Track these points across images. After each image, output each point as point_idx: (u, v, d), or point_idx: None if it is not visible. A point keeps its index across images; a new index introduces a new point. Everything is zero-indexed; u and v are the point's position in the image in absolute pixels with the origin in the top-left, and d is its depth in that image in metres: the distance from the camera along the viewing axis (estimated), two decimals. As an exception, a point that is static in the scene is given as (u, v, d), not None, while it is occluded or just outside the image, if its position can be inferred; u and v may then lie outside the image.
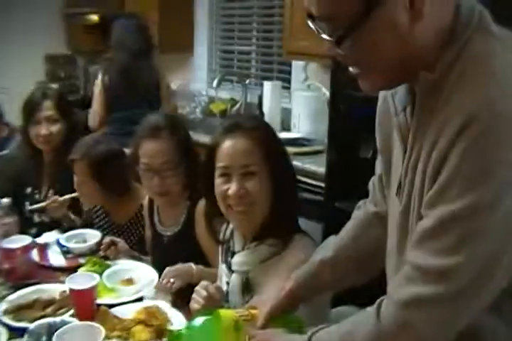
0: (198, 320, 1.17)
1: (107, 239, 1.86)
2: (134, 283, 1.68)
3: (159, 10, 3.99)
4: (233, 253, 1.45)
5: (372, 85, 0.90)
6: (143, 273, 1.72)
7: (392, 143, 1.01)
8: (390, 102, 0.97)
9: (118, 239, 1.89)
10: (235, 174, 1.36)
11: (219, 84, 3.59)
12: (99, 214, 2.13)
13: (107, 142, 2.09)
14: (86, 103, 4.91)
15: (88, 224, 2.13)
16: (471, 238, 0.78)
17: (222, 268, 1.50)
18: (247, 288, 1.41)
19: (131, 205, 2.05)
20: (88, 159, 1.96)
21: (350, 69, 0.90)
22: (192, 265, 1.60)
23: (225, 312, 1.14)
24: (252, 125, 1.40)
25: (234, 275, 1.44)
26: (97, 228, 2.10)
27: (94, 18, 4.78)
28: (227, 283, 1.46)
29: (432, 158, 0.83)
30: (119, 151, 2.07)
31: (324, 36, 0.86)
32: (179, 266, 1.60)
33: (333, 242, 1.21)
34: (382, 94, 1.05)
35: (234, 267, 1.43)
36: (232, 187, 1.36)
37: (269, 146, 1.37)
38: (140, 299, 1.58)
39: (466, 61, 0.82)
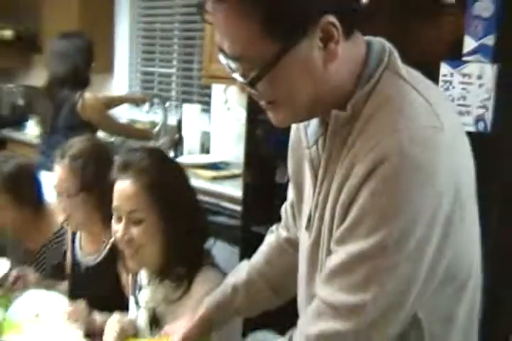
0: None
1: (14, 272, 1.78)
2: (42, 319, 1.57)
3: (79, 28, 3.91)
4: (140, 288, 1.43)
5: (283, 120, 0.91)
6: (52, 307, 1.62)
7: (304, 174, 1.02)
8: (303, 135, 0.98)
9: (27, 270, 1.80)
10: (124, 217, 1.33)
11: (151, 106, 3.58)
12: (10, 242, 2.04)
13: (15, 157, 2.06)
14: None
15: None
16: (379, 275, 0.80)
17: (131, 301, 1.47)
18: (155, 323, 1.39)
19: (46, 230, 1.98)
20: (1, 179, 1.90)
21: (262, 103, 0.90)
22: (96, 314, 1.56)
23: None
24: (141, 166, 1.33)
25: (141, 310, 1.42)
26: (9, 256, 1.98)
27: (8, 34, 4.62)
28: (136, 317, 1.43)
29: (342, 195, 0.84)
30: (29, 165, 2.07)
31: (236, 76, 0.86)
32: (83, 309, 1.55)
33: (246, 266, 1.21)
34: (294, 125, 1.05)
35: (141, 303, 1.41)
36: (118, 232, 1.33)
37: (158, 191, 1.31)
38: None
39: (377, 102, 0.84)
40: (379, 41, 0.90)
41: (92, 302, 1.58)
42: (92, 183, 1.64)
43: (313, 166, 0.95)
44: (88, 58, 3.08)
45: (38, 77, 3.52)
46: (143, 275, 1.43)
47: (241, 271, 1.20)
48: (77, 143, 1.71)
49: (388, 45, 0.90)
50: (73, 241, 1.82)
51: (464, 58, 1.67)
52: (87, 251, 1.75)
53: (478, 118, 1.65)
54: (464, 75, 1.67)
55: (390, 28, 1.87)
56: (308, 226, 0.97)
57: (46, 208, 2.00)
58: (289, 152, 1.08)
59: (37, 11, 4.26)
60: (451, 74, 1.69)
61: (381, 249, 0.79)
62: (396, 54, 0.89)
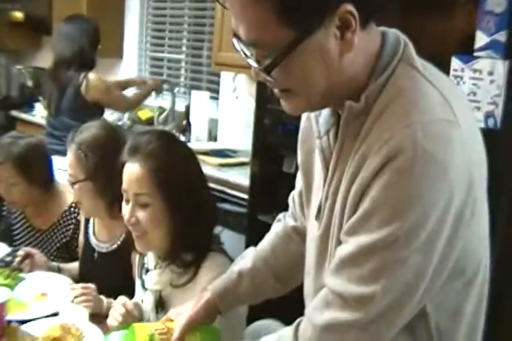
0: (114, 335, 1.16)
1: (22, 251, 1.79)
2: (48, 298, 1.62)
3: (88, 12, 3.92)
4: (147, 270, 1.43)
5: (296, 108, 0.91)
6: (58, 287, 1.66)
7: (314, 163, 1.02)
8: (314, 124, 0.98)
9: (34, 251, 1.82)
10: (131, 200, 1.33)
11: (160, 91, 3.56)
12: (19, 219, 2.07)
13: (24, 137, 2.06)
14: (8, 102, 4.77)
15: (7, 232, 2.06)
16: (390, 267, 0.81)
17: (137, 284, 1.48)
18: (161, 306, 1.40)
19: (54, 209, 2.00)
20: (12, 159, 1.92)
21: (275, 91, 0.90)
22: (104, 298, 1.57)
23: (140, 327, 1.14)
24: (149, 150, 1.32)
25: (147, 293, 1.42)
26: (17, 234, 2.05)
27: (19, 15, 4.62)
28: (142, 301, 1.44)
29: (354, 186, 0.84)
30: (40, 144, 2.08)
31: (251, 62, 0.85)
32: (94, 290, 1.57)
33: (252, 254, 1.22)
34: (305, 114, 1.05)
35: (147, 285, 1.41)
36: (125, 215, 1.33)
37: (165, 176, 1.30)
38: (55, 314, 1.53)
39: (390, 93, 0.84)
40: (394, 33, 0.90)
41: (102, 289, 1.59)
42: (96, 171, 1.63)
43: (324, 156, 0.95)
44: (94, 41, 3.13)
45: (47, 59, 3.53)
46: (150, 258, 1.44)
47: (247, 258, 1.21)
48: (85, 130, 1.69)
49: (403, 36, 0.90)
50: (86, 226, 1.82)
51: (476, 54, 1.66)
52: (101, 237, 1.76)
53: (488, 115, 1.65)
54: (475, 71, 1.67)
55: (401, 20, 1.86)
56: (318, 217, 0.98)
57: (56, 188, 2.04)
58: (298, 141, 1.08)
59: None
60: (462, 70, 1.69)
61: (392, 241, 0.79)
62: (411, 46, 0.89)
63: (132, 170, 1.31)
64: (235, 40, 0.85)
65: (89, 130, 1.69)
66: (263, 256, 1.20)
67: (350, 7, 0.80)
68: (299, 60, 0.82)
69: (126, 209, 1.33)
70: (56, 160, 2.15)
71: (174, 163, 1.33)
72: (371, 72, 0.86)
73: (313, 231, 1.01)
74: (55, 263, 1.85)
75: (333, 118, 0.93)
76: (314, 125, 0.98)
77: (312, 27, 0.80)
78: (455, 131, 0.80)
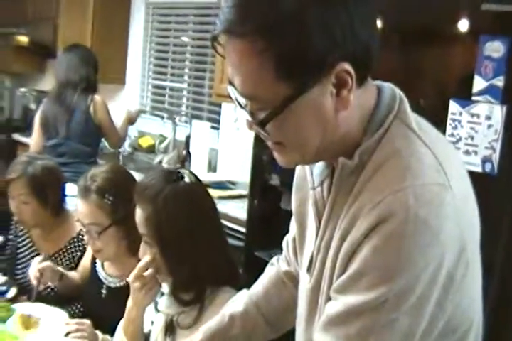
0: None
1: (39, 266, 1.75)
2: (41, 331, 1.60)
3: (92, 39, 3.97)
4: (162, 294, 1.45)
5: (289, 162, 0.90)
6: (52, 320, 1.65)
7: (307, 212, 1.01)
8: (308, 174, 0.98)
9: (46, 264, 1.78)
10: (142, 239, 1.39)
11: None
12: (25, 243, 2.08)
13: (42, 158, 2.11)
14: (10, 125, 4.81)
15: (12, 255, 2.08)
16: (377, 329, 0.80)
17: (150, 306, 1.48)
18: (170, 329, 1.41)
19: (62, 235, 2.01)
20: (27, 177, 1.95)
21: (269, 143, 0.89)
22: (99, 333, 1.56)
23: None
24: (148, 197, 1.35)
25: (159, 315, 1.44)
26: (22, 258, 2.06)
27: (24, 40, 4.69)
28: (152, 322, 1.46)
29: (345, 244, 0.84)
30: (54, 166, 2.11)
31: (245, 113, 0.84)
32: (89, 326, 1.56)
33: (244, 297, 1.21)
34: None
35: (160, 307, 1.43)
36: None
37: (159, 223, 1.34)
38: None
39: (385, 153, 0.84)
40: (390, 87, 0.89)
41: (99, 322, 1.59)
42: (123, 215, 1.62)
43: (317, 208, 0.95)
44: (95, 67, 3.26)
45: (51, 83, 3.58)
46: (165, 284, 1.45)
47: (239, 302, 1.21)
48: (99, 175, 1.67)
49: (398, 91, 0.89)
50: (94, 257, 1.81)
51: (474, 98, 1.67)
52: (111, 272, 1.76)
53: (486, 159, 1.65)
54: (473, 115, 1.67)
55: (400, 61, 1.88)
56: (309, 270, 0.97)
57: (66, 214, 2.05)
58: (293, 188, 1.07)
59: (54, 20, 4.32)
60: (460, 113, 1.70)
61: (380, 304, 0.79)
62: (406, 101, 0.88)
63: (137, 213, 1.38)
64: (229, 88, 0.85)
65: (102, 175, 1.67)
66: (255, 301, 1.19)
67: (347, 66, 0.79)
68: (294, 116, 0.81)
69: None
70: (68, 187, 2.16)
71: (168, 210, 1.35)
72: (366, 128, 0.86)
73: (304, 283, 1.01)
74: (59, 269, 1.83)
75: (327, 170, 0.93)
76: (309, 175, 0.98)
77: (309, 84, 0.79)
78: (447, 195, 0.80)
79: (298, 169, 1.06)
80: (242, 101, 0.84)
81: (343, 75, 0.80)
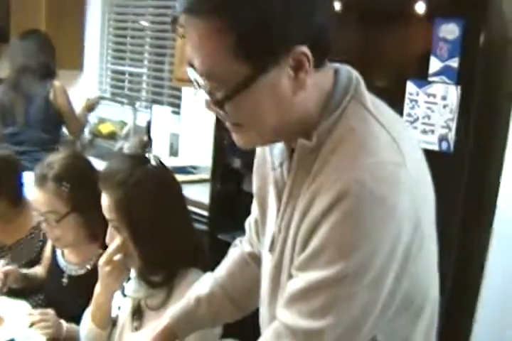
0: None
1: (2, 269, 1.73)
2: (5, 323, 1.58)
3: (47, 23, 3.87)
4: (129, 279, 1.44)
5: (246, 142, 0.91)
6: (15, 312, 1.63)
7: (268, 193, 1.03)
8: (268, 155, 0.99)
9: (10, 268, 1.76)
10: (109, 224, 1.37)
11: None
12: None
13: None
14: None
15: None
16: (338, 303, 0.82)
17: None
18: (138, 314, 1.42)
19: (22, 225, 1.97)
20: None
21: (227, 124, 0.90)
22: (63, 322, 1.56)
23: None
24: (116, 182, 1.35)
25: (126, 300, 1.45)
26: None
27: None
28: (119, 307, 1.46)
29: (304, 223, 0.86)
30: (9, 155, 2.09)
31: (203, 93, 0.85)
32: (53, 315, 1.55)
33: (209, 279, 1.23)
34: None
35: (127, 292, 1.42)
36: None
37: (129, 207, 1.33)
38: (12, 340, 1.50)
39: (341, 133, 0.85)
40: (346, 69, 0.91)
41: (66, 311, 1.58)
42: (81, 203, 1.61)
43: (277, 189, 0.96)
44: (52, 53, 3.22)
45: (5, 69, 3.48)
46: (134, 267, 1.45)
47: (204, 284, 1.22)
48: (56, 162, 1.64)
49: (355, 73, 0.91)
50: (54, 246, 1.79)
51: (430, 78, 1.71)
52: (71, 259, 1.74)
53: (442, 138, 1.69)
54: (429, 95, 1.71)
55: (359, 41, 1.90)
56: (271, 249, 0.99)
57: (24, 203, 2.00)
58: (254, 168, 1.08)
59: (6, 3, 4.18)
60: (417, 94, 1.74)
61: (340, 279, 0.81)
62: (362, 83, 0.90)
63: (104, 199, 1.36)
64: (188, 69, 0.85)
65: (60, 162, 1.64)
66: (219, 282, 1.21)
67: (304, 49, 0.81)
68: (252, 96, 0.83)
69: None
70: (26, 175, 2.11)
71: (139, 194, 1.35)
72: (323, 109, 0.88)
73: (267, 262, 1.03)
74: (22, 271, 1.82)
75: (287, 152, 0.94)
76: (268, 156, 0.99)
77: (267, 65, 0.81)
78: (402, 173, 0.82)
79: (258, 150, 1.07)
80: (201, 81, 0.85)
81: (301, 58, 0.81)
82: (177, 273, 1.38)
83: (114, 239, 1.36)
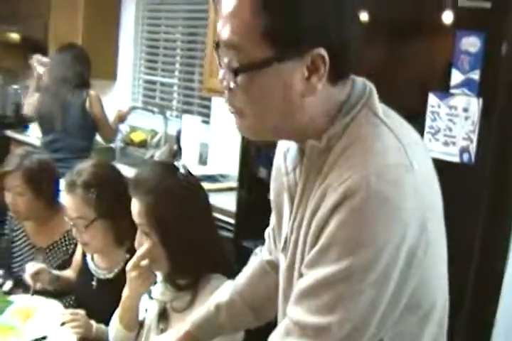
0: None
1: (32, 269, 1.80)
2: (37, 322, 1.65)
3: (83, 35, 4.01)
4: (155, 282, 1.50)
5: (247, 129, 0.93)
6: (48, 311, 1.70)
7: (283, 199, 1.05)
8: (282, 161, 1.02)
9: (41, 266, 1.84)
10: (138, 229, 1.43)
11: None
12: (20, 237, 2.13)
13: (37, 152, 2.21)
14: (3, 122, 4.83)
15: (7, 249, 2.14)
16: (344, 300, 0.85)
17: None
18: (164, 316, 1.47)
19: (56, 228, 2.06)
20: (23, 170, 2.01)
21: (229, 108, 0.93)
22: (93, 323, 1.62)
23: None
24: (147, 188, 1.41)
25: (152, 303, 1.50)
26: (17, 251, 2.12)
27: (16, 37, 4.71)
28: (146, 310, 1.52)
29: (314, 221, 0.89)
30: (49, 160, 2.19)
31: (223, 61, 0.88)
32: (83, 316, 1.62)
33: (229, 287, 1.26)
34: (278, 150, 1.09)
35: (153, 295, 1.49)
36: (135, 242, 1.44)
37: (157, 212, 1.39)
38: (44, 337, 1.57)
39: (351, 137, 0.89)
40: (362, 81, 0.95)
41: (96, 313, 1.64)
42: (108, 209, 1.67)
43: (290, 192, 0.99)
44: (87, 64, 3.36)
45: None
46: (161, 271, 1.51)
47: (224, 292, 1.26)
48: (85, 170, 1.72)
49: (370, 84, 0.95)
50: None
51: (451, 91, 1.73)
52: (99, 264, 1.80)
53: (463, 150, 1.71)
54: (451, 107, 1.73)
55: (382, 55, 1.93)
56: (284, 249, 1.02)
57: (59, 208, 2.08)
58: (271, 178, 1.12)
59: (45, 17, 4.34)
60: (439, 106, 1.76)
61: (346, 276, 0.84)
62: (375, 93, 0.94)
63: (134, 204, 1.42)
64: (215, 47, 0.89)
65: (88, 170, 1.72)
66: (239, 290, 1.25)
67: (323, 52, 0.85)
68: (263, 81, 0.86)
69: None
70: (63, 182, 2.21)
71: (169, 199, 1.41)
72: (334, 117, 0.91)
73: (281, 263, 1.06)
74: (55, 273, 1.89)
75: (299, 156, 0.97)
76: (282, 162, 1.02)
77: (286, 55, 0.85)
78: (408, 176, 0.85)
79: (275, 159, 1.10)
80: (224, 53, 0.88)
81: (318, 60, 0.85)
82: (202, 277, 1.43)
83: (143, 244, 1.42)
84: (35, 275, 1.80)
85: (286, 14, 0.83)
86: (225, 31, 0.87)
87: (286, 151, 1.03)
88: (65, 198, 1.72)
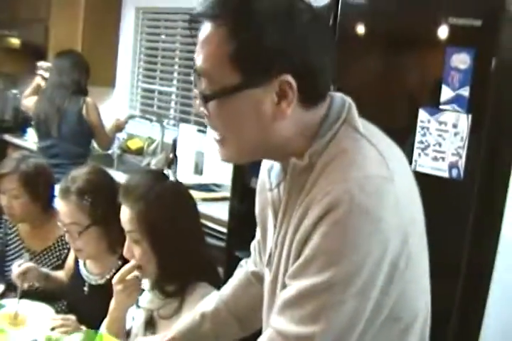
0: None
1: (19, 268, 1.82)
2: (27, 326, 1.67)
3: (83, 42, 4.05)
4: (143, 290, 1.52)
5: (227, 156, 0.97)
6: (38, 316, 1.72)
7: (267, 214, 1.08)
8: (266, 177, 1.05)
9: (30, 265, 1.85)
10: (127, 236, 1.45)
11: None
12: (15, 240, 2.15)
13: (34, 156, 2.25)
14: (1, 126, 4.85)
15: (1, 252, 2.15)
16: (327, 310, 0.87)
17: None
18: (151, 324, 1.49)
19: (50, 232, 2.08)
20: (19, 173, 2.04)
21: (214, 137, 0.96)
22: (84, 328, 1.62)
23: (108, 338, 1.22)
24: (138, 195, 1.43)
25: (139, 311, 1.52)
26: (11, 255, 2.14)
27: (16, 42, 4.75)
28: (133, 318, 1.54)
29: (298, 234, 0.91)
30: (46, 165, 2.21)
31: (196, 90, 0.93)
32: (74, 321, 1.63)
33: (215, 297, 1.29)
34: (262, 166, 1.12)
35: (141, 303, 1.51)
36: (124, 249, 1.46)
37: (148, 218, 1.42)
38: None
39: (333, 152, 0.92)
40: (340, 97, 0.97)
41: (87, 319, 1.65)
42: (102, 216, 1.69)
43: (274, 207, 1.02)
44: (85, 71, 3.39)
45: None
46: (146, 280, 1.52)
47: (210, 301, 1.28)
48: (80, 177, 1.73)
49: (348, 100, 0.97)
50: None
51: (441, 106, 1.75)
52: (91, 270, 1.81)
53: (452, 165, 1.73)
54: (441, 123, 1.76)
55: (374, 68, 1.96)
56: (268, 264, 1.05)
57: (54, 212, 2.09)
58: (256, 193, 1.14)
59: (45, 23, 4.37)
60: (429, 121, 1.78)
61: (329, 286, 0.86)
62: (354, 108, 0.97)
63: (124, 211, 1.45)
64: (193, 71, 0.94)
65: (82, 177, 1.73)
66: (224, 300, 1.27)
67: (290, 78, 0.88)
68: (234, 106, 0.89)
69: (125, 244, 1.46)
70: (57, 188, 2.24)
71: (160, 205, 1.44)
72: (314, 134, 0.94)
73: (266, 276, 1.08)
74: (44, 270, 1.91)
75: (283, 173, 1.00)
76: (266, 178, 1.05)
77: (254, 82, 0.88)
78: (389, 187, 0.88)
79: (260, 174, 1.13)
80: (198, 80, 0.92)
81: (285, 86, 0.88)
82: (189, 283, 1.45)
83: (132, 252, 1.44)
84: (23, 275, 1.81)
85: (251, 40, 0.87)
86: (198, 59, 0.91)
87: (270, 168, 1.05)
88: (59, 204, 1.74)
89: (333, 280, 0.86)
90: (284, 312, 0.91)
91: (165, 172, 1.53)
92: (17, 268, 1.83)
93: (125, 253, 1.46)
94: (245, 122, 0.91)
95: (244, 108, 0.90)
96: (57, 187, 2.18)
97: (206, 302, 1.29)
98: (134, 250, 1.44)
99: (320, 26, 0.94)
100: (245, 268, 1.30)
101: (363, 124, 0.96)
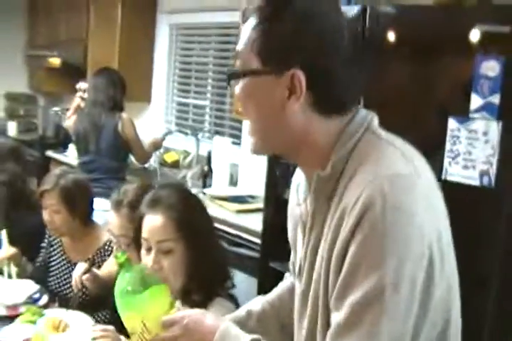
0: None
1: (78, 283, 1.88)
2: (68, 333, 1.72)
3: (120, 60, 4.16)
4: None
5: (253, 144, 1.02)
6: (79, 324, 1.77)
7: (297, 232, 1.09)
8: (294, 194, 1.08)
9: (87, 276, 1.90)
10: (153, 248, 1.47)
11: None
12: (57, 252, 2.24)
13: (73, 172, 2.34)
14: (44, 142, 5.02)
15: (44, 263, 2.25)
16: (383, 318, 0.85)
17: None
18: None
19: (90, 245, 2.16)
20: (59, 188, 2.12)
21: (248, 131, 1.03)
22: (123, 339, 1.67)
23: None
24: (170, 203, 1.50)
25: None
26: (53, 266, 2.23)
27: (56, 61, 4.92)
28: None
29: (338, 244, 0.91)
30: (84, 180, 2.31)
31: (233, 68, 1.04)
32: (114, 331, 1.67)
33: (261, 299, 1.30)
34: (292, 187, 1.14)
35: None
36: (148, 262, 1.46)
37: (185, 225, 1.47)
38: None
39: (358, 158, 0.94)
40: (364, 111, 1.00)
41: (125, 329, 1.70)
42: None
43: (302, 220, 1.04)
44: (121, 88, 3.48)
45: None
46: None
47: (256, 302, 1.30)
48: (131, 191, 1.79)
49: (372, 113, 1.01)
50: None
51: (471, 115, 1.75)
52: None
53: (483, 173, 1.72)
54: (471, 131, 1.75)
55: (403, 78, 1.97)
56: (299, 275, 1.06)
57: (93, 226, 2.21)
58: (288, 213, 1.17)
59: (84, 43, 4.53)
60: (459, 130, 1.78)
61: (379, 291, 0.85)
62: (376, 120, 1.00)
63: (154, 220, 1.48)
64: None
65: (133, 192, 1.78)
66: (271, 303, 1.28)
67: (300, 74, 0.93)
68: (251, 88, 0.97)
69: (146, 258, 1.48)
70: (97, 201, 2.33)
71: (191, 213, 1.52)
72: (334, 143, 0.97)
73: (296, 288, 1.09)
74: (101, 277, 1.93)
75: (308, 186, 1.03)
76: (295, 194, 1.09)
77: (270, 69, 0.95)
78: (418, 183, 0.89)
79: (290, 196, 1.16)
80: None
81: (294, 80, 0.94)
82: (214, 294, 1.48)
83: (159, 264, 1.45)
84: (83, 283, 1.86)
85: (276, 36, 0.94)
86: (239, 46, 1.00)
87: (297, 185, 1.09)
88: (111, 216, 1.79)
89: (382, 282, 0.85)
90: (341, 335, 0.89)
91: (185, 185, 1.63)
92: (80, 274, 1.88)
93: (151, 266, 1.46)
94: (260, 108, 0.98)
95: (258, 93, 0.96)
96: (98, 201, 2.27)
97: (251, 302, 1.30)
98: (162, 262, 1.45)
99: (353, 40, 0.99)
100: (289, 279, 1.31)
101: (384, 132, 0.99)
